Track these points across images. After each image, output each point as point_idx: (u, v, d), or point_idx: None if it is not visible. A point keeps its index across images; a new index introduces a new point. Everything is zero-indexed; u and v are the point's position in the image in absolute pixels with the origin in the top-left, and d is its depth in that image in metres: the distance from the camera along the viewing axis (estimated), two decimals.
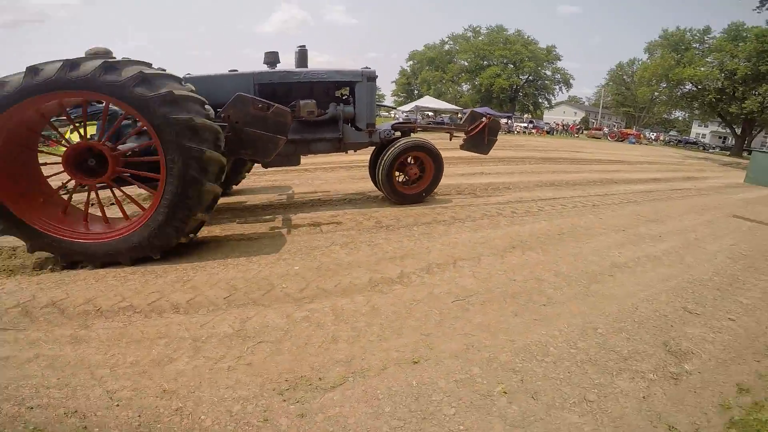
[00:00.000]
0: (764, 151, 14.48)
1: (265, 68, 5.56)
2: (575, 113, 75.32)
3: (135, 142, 4.27)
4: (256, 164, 6.72)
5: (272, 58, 5.58)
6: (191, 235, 4.05)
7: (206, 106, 3.97)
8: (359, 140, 5.94)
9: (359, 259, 4.05)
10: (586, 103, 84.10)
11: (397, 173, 6.23)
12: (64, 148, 3.87)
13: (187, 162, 3.61)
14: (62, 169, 3.79)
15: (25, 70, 3.41)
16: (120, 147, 4.00)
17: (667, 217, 6.90)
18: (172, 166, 3.62)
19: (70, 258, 3.74)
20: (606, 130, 46.02)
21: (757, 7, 27.89)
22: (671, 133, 56.82)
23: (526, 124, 40.25)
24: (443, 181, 6.70)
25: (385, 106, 15.58)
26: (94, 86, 3.42)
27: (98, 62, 3.43)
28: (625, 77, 66.58)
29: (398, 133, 6.38)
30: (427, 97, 44.77)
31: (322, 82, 5.73)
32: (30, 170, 3.97)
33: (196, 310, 2.97)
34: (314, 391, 2.15)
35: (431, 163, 6.17)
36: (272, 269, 3.73)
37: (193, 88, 3.98)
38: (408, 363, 2.42)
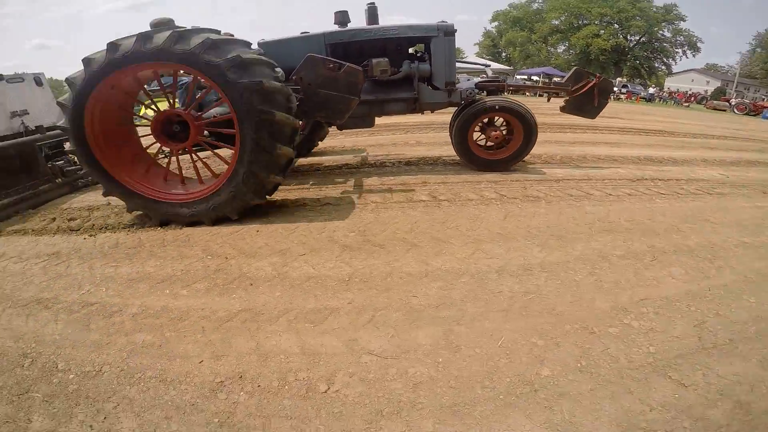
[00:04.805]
0: None
1: (336, 28, 5.30)
2: (707, 82, 62.05)
3: (219, 111, 4.35)
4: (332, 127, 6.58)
5: (343, 18, 5.32)
6: (267, 197, 4.09)
7: (276, 69, 3.90)
8: (437, 100, 5.45)
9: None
10: (729, 73, 69.37)
11: (479, 135, 5.68)
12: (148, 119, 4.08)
13: (259, 126, 3.59)
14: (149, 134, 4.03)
15: (106, 46, 3.52)
16: (204, 115, 4.10)
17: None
18: (245, 130, 3.62)
19: (161, 217, 4.01)
20: (734, 101, 37.61)
21: None
22: None
23: (617, 89, 34.99)
24: None
25: (465, 62, 11.04)
26: (166, 57, 3.47)
27: (168, 33, 3.44)
28: None
29: (483, 93, 5.72)
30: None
31: (394, 39, 5.30)
32: (130, 140, 4.23)
33: None
34: None
35: (520, 128, 5.38)
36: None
37: (262, 52, 3.93)
38: None
